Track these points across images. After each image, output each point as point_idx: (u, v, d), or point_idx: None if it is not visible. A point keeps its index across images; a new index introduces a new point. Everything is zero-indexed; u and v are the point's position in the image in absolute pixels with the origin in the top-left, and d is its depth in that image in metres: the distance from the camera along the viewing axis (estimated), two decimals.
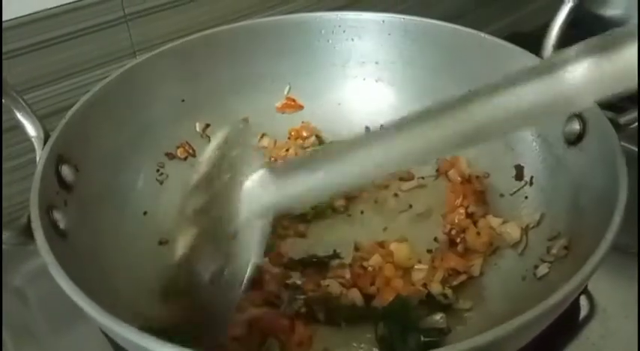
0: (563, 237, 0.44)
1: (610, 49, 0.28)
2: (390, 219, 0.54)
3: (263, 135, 0.62)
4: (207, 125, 0.61)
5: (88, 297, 0.33)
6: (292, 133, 0.63)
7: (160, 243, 0.51)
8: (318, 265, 0.49)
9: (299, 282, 0.47)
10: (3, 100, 0.44)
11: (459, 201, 0.52)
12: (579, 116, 0.46)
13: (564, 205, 0.46)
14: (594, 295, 0.47)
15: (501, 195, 0.53)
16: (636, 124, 0.45)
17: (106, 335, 0.38)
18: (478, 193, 0.53)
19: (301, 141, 0.63)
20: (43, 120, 0.45)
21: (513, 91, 0.32)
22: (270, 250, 0.49)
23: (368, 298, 0.46)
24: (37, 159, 0.44)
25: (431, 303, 0.45)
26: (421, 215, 0.54)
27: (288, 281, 0.47)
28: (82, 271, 0.40)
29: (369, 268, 0.48)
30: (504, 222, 0.50)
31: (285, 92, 0.64)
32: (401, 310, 0.44)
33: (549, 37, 0.50)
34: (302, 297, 0.46)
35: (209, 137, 0.60)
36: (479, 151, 0.56)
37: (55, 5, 0.54)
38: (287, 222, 0.53)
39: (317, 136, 0.62)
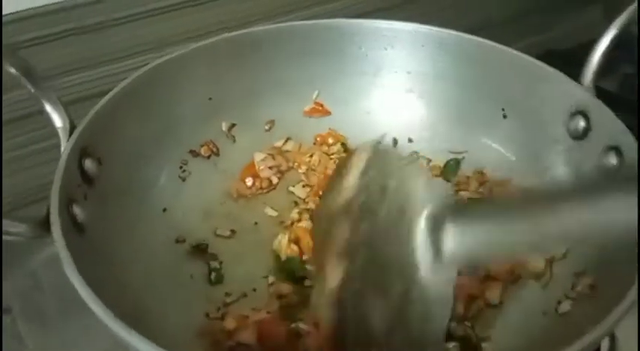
0: (589, 274, 0.42)
1: None
2: None
3: (288, 139, 0.62)
4: (233, 125, 0.60)
5: (100, 300, 0.32)
6: (318, 139, 0.62)
7: (177, 241, 0.51)
8: None
9: None
10: (32, 90, 0.44)
11: None
12: (617, 150, 0.44)
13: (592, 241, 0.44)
14: (616, 334, 0.46)
15: None
16: None
17: None
18: None
19: (326, 147, 0.62)
20: (69, 106, 0.45)
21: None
22: None
23: None
24: (62, 150, 0.43)
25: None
26: None
27: None
28: (95, 268, 0.39)
29: None
30: None
31: (314, 97, 0.63)
32: None
33: (590, 64, 0.48)
34: None
35: (234, 137, 0.60)
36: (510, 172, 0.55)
37: None
38: None
39: (342, 144, 0.61)
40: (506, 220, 0.31)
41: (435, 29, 0.59)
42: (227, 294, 0.47)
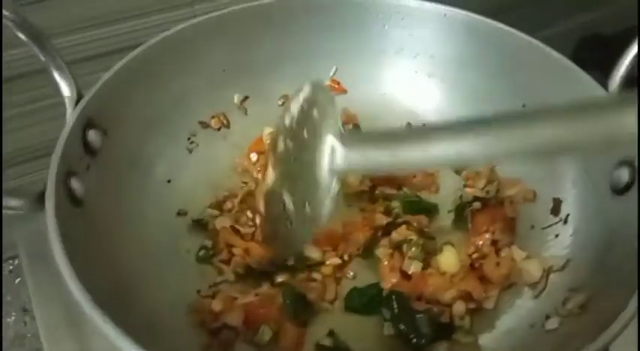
0: (583, 292, 0.41)
1: None
2: None
3: None
4: (246, 97, 0.59)
5: (82, 285, 0.33)
6: None
7: (179, 214, 0.52)
8: None
9: None
10: (42, 57, 0.44)
11: (486, 225, 0.50)
12: (631, 165, 0.42)
13: (593, 257, 0.43)
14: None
15: (532, 227, 0.50)
16: None
17: None
18: (508, 219, 0.50)
19: None
20: (73, 65, 0.45)
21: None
22: None
23: None
24: (67, 120, 0.44)
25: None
26: None
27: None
28: (89, 242, 0.41)
29: None
30: (528, 257, 0.47)
31: (331, 73, 0.61)
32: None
33: (619, 69, 0.45)
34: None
35: (246, 110, 0.59)
36: (521, 174, 0.53)
37: None
38: None
39: (354, 125, 0.60)
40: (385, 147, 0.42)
41: (464, 13, 0.56)
42: (219, 272, 0.48)
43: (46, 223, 0.36)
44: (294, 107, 0.44)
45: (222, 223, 0.52)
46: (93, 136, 0.45)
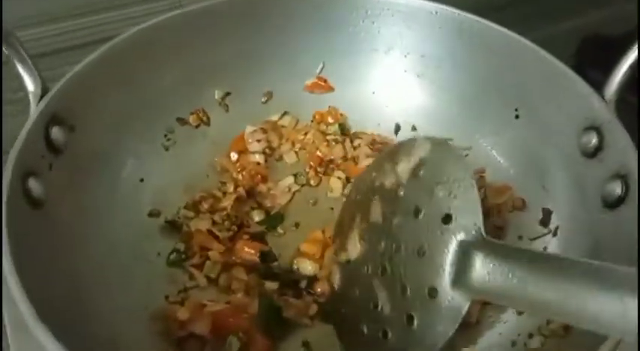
0: None
1: None
2: None
3: (285, 113, 0.58)
4: (228, 94, 0.57)
5: (34, 301, 0.31)
6: (316, 117, 0.59)
7: (150, 215, 0.50)
8: None
9: None
10: (5, 50, 0.41)
11: None
12: (624, 179, 0.40)
13: None
14: None
15: (520, 237, 0.48)
16: None
17: None
18: (495, 228, 0.48)
19: (324, 126, 0.58)
20: (39, 59, 0.43)
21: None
22: None
23: None
24: (30, 115, 0.41)
25: None
26: None
27: None
28: (49, 247, 0.39)
29: None
30: None
31: (318, 71, 0.59)
32: None
33: (616, 76, 0.43)
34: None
35: (227, 106, 0.57)
36: (510, 181, 0.51)
37: None
38: None
39: (341, 125, 0.58)
40: (535, 275, 0.32)
41: (457, 12, 0.53)
42: (190, 277, 0.46)
43: None
44: (404, 167, 0.36)
45: (198, 225, 0.49)
46: (57, 133, 0.42)
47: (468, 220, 0.34)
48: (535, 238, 0.47)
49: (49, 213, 0.40)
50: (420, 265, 0.36)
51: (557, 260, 0.33)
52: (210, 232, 0.49)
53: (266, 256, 0.48)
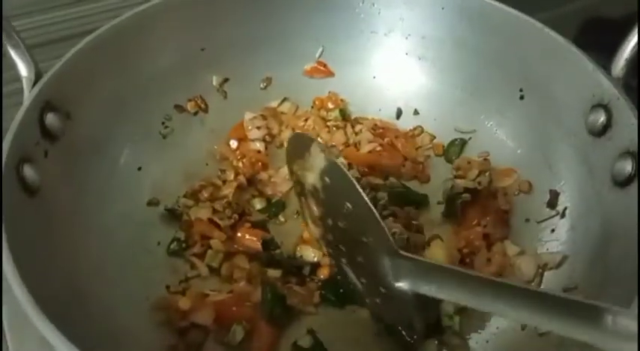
0: (578, 293, 0.38)
1: None
2: None
3: (284, 99, 0.57)
4: (226, 80, 0.56)
5: (33, 292, 0.30)
6: (316, 102, 0.58)
7: (150, 203, 0.49)
8: None
9: None
10: None
11: (477, 218, 0.46)
12: (634, 156, 0.39)
13: (590, 254, 0.40)
14: None
15: (527, 220, 0.47)
16: None
17: None
18: (501, 212, 0.47)
19: (324, 112, 0.57)
20: (36, 49, 0.42)
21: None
22: None
23: None
24: (24, 101, 0.40)
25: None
26: None
27: None
28: (45, 235, 0.38)
29: None
30: (521, 253, 0.44)
31: (317, 55, 0.58)
32: None
33: (623, 53, 0.42)
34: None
35: (225, 93, 0.56)
36: (516, 164, 0.50)
37: None
38: None
39: (341, 111, 0.57)
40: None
41: None
42: (192, 267, 0.45)
43: None
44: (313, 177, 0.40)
45: (198, 213, 0.48)
46: (52, 119, 0.41)
47: (380, 243, 0.38)
48: (542, 221, 0.46)
49: (45, 201, 0.39)
50: (362, 266, 0.40)
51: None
52: (211, 220, 0.48)
53: (268, 244, 0.47)
